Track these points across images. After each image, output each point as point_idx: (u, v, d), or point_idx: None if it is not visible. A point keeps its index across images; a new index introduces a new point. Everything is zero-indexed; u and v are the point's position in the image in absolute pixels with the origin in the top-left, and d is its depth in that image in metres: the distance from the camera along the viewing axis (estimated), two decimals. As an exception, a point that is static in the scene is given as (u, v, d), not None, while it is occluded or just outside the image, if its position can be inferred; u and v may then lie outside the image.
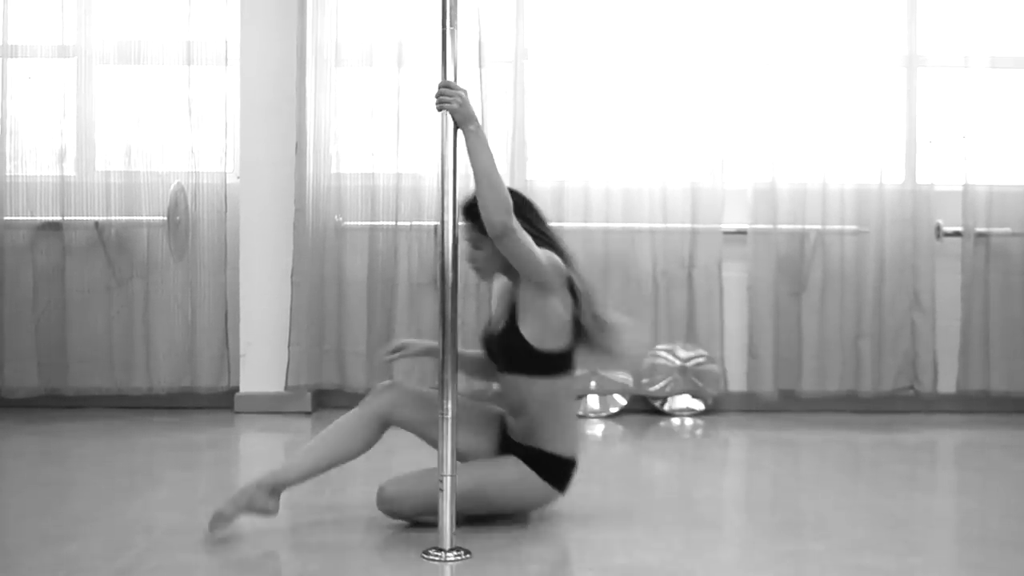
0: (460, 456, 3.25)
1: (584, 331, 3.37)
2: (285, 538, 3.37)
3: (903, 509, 3.78)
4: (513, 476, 3.37)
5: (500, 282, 3.58)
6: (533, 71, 5.52)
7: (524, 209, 3.33)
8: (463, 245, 3.28)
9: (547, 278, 3.27)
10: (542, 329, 3.29)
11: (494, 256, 3.32)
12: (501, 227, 3.14)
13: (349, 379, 5.46)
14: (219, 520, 3.27)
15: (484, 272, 3.46)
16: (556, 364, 3.35)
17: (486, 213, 3.15)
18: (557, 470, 3.40)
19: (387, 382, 3.54)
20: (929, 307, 5.54)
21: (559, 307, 3.30)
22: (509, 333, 3.33)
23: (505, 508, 3.43)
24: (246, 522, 3.35)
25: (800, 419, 5.41)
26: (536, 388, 3.34)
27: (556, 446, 3.38)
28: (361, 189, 5.45)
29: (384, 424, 3.45)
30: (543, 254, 3.26)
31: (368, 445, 3.45)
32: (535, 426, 3.36)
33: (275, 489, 3.34)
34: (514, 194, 3.26)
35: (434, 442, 3.23)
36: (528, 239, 3.21)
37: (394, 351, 3.62)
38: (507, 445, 3.46)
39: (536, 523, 3.49)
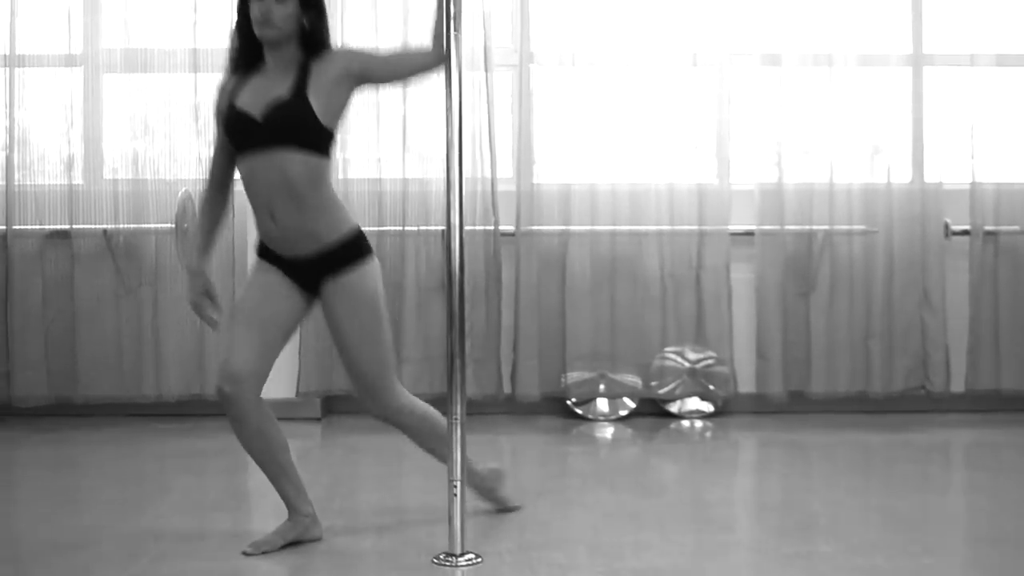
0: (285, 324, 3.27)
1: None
2: (297, 545, 3.37)
3: (915, 510, 3.77)
4: (367, 310, 3.27)
5: (286, 52, 3.24)
6: (539, 74, 5.52)
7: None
8: None
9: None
10: (333, 110, 3.22)
11: (294, 18, 3.18)
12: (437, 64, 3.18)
13: (358, 384, 5.45)
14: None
15: (275, 32, 3.17)
16: (329, 145, 3.25)
17: (435, 63, 3.18)
18: (364, 244, 3.29)
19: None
20: (939, 306, 5.53)
21: (350, 97, 3.27)
22: (296, 105, 3.16)
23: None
24: (254, 526, 3.35)
25: (810, 420, 5.40)
26: (312, 165, 3.17)
27: (344, 226, 3.25)
28: (368, 195, 5.46)
29: None
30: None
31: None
32: (309, 216, 3.19)
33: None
34: None
35: None
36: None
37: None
38: (302, 281, 3.28)
39: (548, 527, 3.49)
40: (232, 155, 3.31)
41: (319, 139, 3.20)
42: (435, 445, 3.39)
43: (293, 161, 3.16)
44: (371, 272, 3.28)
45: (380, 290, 3.30)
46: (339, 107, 3.23)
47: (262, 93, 3.19)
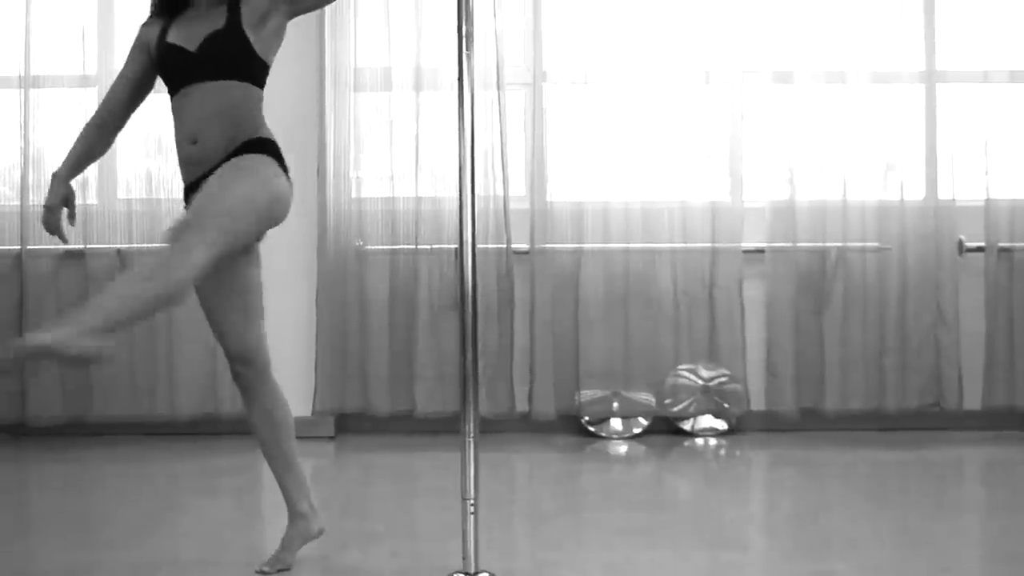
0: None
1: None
2: (311, 563, 3.37)
3: (929, 528, 3.75)
4: (234, 169, 3.08)
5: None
6: (552, 93, 5.53)
7: None
8: None
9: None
10: (266, 41, 3.18)
11: None
12: None
13: (372, 403, 5.46)
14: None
15: None
16: (264, 77, 3.23)
17: None
18: (275, 148, 3.21)
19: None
20: (953, 323, 5.51)
21: (281, 28, 3.22)
22: (232, 36, 3.13)
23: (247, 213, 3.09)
24: (268, 546, 3.35)
25: (824, 438, 5.38)
26: (249, 94, 3.17)
27: (264, 134, 3.20)
28: (381, 213, 5.47)
29: None
30: None
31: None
32: (238, 129, 3.15)
33: (91, 331, 2.71)
34: None
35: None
36: None
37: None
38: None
39: (562, 545, 3.48)
40: (135, 91, 3.38)
41: (255, 70, 3.19)
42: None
43: (231, 89, 3.15)
44: (268, 163, 3.14)
45: (269, 188, 3.12)
46: (271, 38, 3.20)
47: (195, 29, 3.17)
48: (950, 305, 5.51)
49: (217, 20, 3.16)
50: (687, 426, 5.49)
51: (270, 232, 5.45)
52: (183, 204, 3.25)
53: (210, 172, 3.12)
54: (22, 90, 5.47)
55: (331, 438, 5.43)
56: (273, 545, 3.35)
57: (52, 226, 3.32)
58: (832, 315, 5.52)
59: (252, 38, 3.15)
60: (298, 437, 5.33)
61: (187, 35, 3.17)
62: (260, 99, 3.22)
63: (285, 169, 3.21)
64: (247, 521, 4.04)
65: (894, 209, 5.53)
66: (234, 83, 3.16)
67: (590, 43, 5.51)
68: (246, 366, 3.31)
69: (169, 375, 5.47)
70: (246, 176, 3.08)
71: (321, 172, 5.38)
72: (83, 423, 5.46)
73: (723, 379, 5.48)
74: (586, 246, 5.47)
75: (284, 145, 5.45)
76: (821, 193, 5.55)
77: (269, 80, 5.59)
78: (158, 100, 5.45)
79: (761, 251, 5.54)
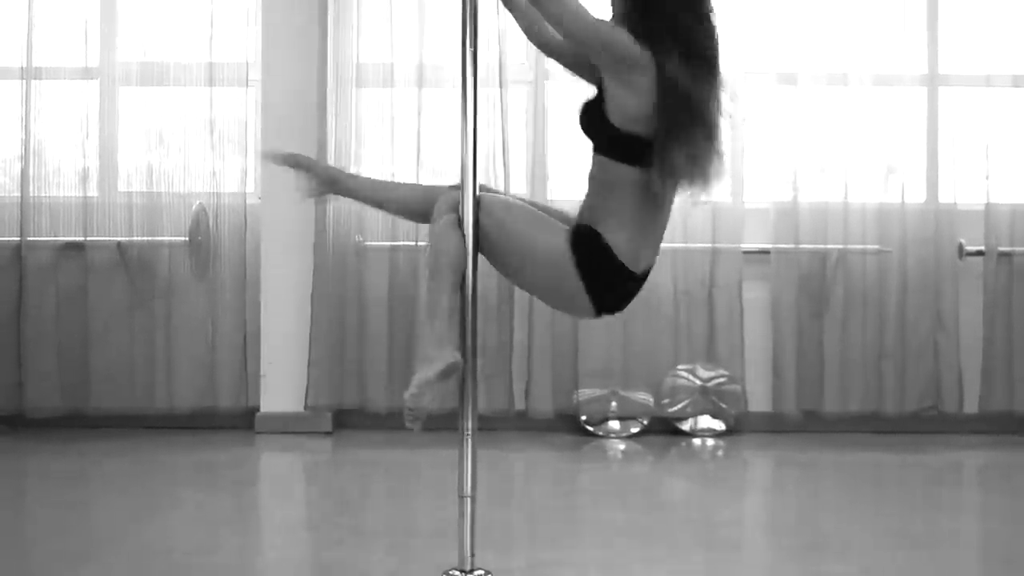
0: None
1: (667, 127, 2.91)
2: (305, 558, 3.37)
3: (927, 531, 3.75)
4: (547, 246, 2.95)
5: None
6: (554, 91, 5.52)
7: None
8: None
9: (592, 41, 2.90)
10: (621, 107, 2.90)
11: None
12: None
13: (370, 399, 5.46)
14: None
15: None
16: (634, 151, 2.92)
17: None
18: (600, 262, 2.95)
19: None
20: (952, 327, 5.50)
21: (638, 88, 2.88)
22: (590, 107, 3.02)
23: (522, 275, 3.08)
24: (264, 540, 3.35)
25: (822, 439, 5.38)
26: (609, 170, 2.96)
27: (610, 236, 2.95)
28: (381, 209, 5.46)
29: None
30: (608, 25, 2.90)
31: (422, 213, 3.19)
32: (596, 206, 3.00)
33: (331, 180, 3.28)
34: None
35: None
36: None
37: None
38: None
39: (559, 543, 3.48)
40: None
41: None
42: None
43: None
44: (567, 274, 2.98)
45: (546, 272, 3.01)
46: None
47: None
48: (949, 308, 5.51)
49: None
50: (685, 426, 5.49)
51: (268, 226, 5.49)
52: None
53: None
54: (24, 81, 5.47)
55: (328, 434, 5.43)
56: (269, 539, 3.35)
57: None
58: (832, 317, 5.51)
59: (609, 107, 2.95)
60: (294, 432, 5.38)
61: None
62: (623, 176, 2.96)
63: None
64: (243, 515, 4.04)
65: (895, 212, 5.53)
66: (597, 156, 3.03)
67: (592, 42, 5.50)
68: None
69: (167, 368, 5.47)
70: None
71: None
72: (81, 415, 5.46)
73: (721, 380, 5.48)
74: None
75: (285, 140, 5.49)
76: (822, 195, 5.55)
77: (271, 77, 5.64)
78: (161, 93, 5.50)
79: (761, 252, 5.54)
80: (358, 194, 3.32)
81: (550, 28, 3.14)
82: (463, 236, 3.02)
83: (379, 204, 3.33)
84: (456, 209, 3.02)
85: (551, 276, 2.98)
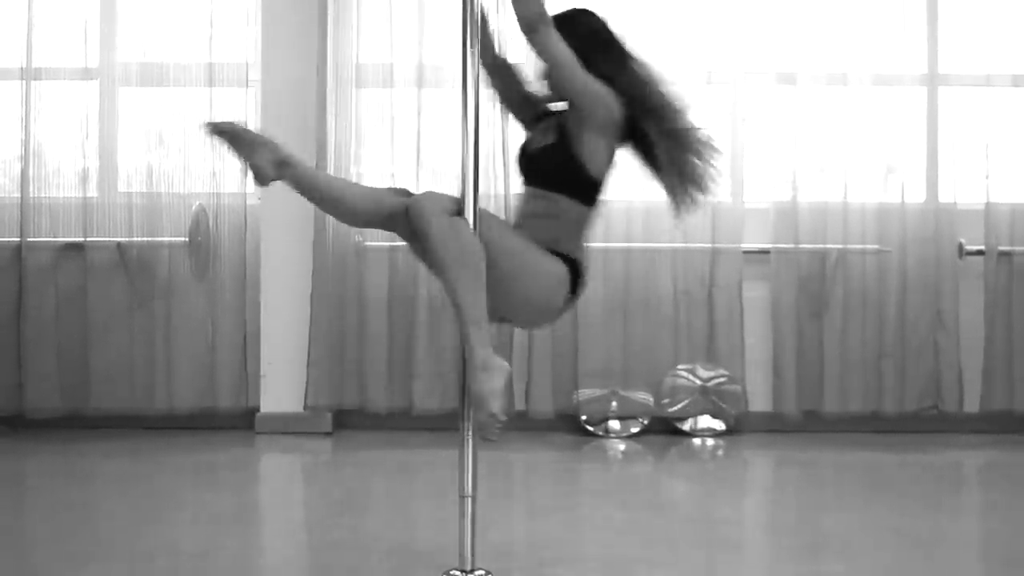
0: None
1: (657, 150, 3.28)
2: (305, 558, 3.37)
3: (928, 531, 3.75)
4: (550, 269, 3.14)
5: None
6: (553, 91, 5.51)
7: (591, 33, 3.25)
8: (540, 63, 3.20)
9: (586, 98, 3.14)
10: (593, 153, 3.19)
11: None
12: (529, 20, 3.09)
13: (369, 399, 5.46)
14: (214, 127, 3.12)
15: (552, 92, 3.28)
16: (594, 192, 3.25)
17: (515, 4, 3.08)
18: (579, 283, 3.23)
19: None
20: (952, 326, 5.51)
21: (606, 137, 3.19)
22: (558, 150, 3.21)
23: (509, 287, 3.11)
24: (264, 541, 3.35)
25: (822, 439, 5.38)
26: (571, 210, 3.21)
27: (580, 260, 3.24)
28: (381, 209, 5.46)
29: (402, 218, 3.11)
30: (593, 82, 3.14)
31: (369, 215, 3.18)
32: (561, 238, 3.21)
33: (281, 161, 3.13)
34: (587, 14, 3.28)
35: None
36: (566, 48, 3.11)
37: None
38: None
39: (559, 543, 3.47)
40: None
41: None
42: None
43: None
44: (556, 279, 3.19)
45: (539, 279, 3.17)
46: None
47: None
48: (950, 308, 5.51)
49: (554, 131, 3.28)
50: (685, 426, 5.49)
51: (267, 227, 5.48)
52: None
53: None
54: (23, 82, 5.47)
55: (328, 434, 5.42)
56: (270, 539, 3.35)
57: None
58: (832, 317, 5.51)
59: (582, 153, 3.20)
60: (294, 433, 5.38)
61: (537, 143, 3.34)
62: (582, 215, 3.27)
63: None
64: (244, 515, 4.04)
65: (895, 212, 5.53)
66: (560, 197, 3.24)
67: (592, 42, 5.49)
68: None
69: (167, 369, 5.47)
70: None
71: (321, 167, 5.37)
72: (81, 416, 5.46)
73: (721, 379, 5.48)
74: (586, 245, 5.45)
75: (285, 140, 5.49)
76: (822, 195, 5.56)
77: (270, 77, 5.65)
78: (161, 94, 5.50)
79: (761, 252, 5.54)
80: (303, 184, 3.19)
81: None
82: (473, 231, 3.03)
83: (325, 202, 3.24)
84: (448, 211, 3.01)
85: (545, 293, 3.16)
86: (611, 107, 3.17)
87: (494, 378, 2.96)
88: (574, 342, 5.47)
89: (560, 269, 3.16)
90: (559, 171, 3.21)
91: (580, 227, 3.26)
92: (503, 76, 3.43)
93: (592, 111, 3.16)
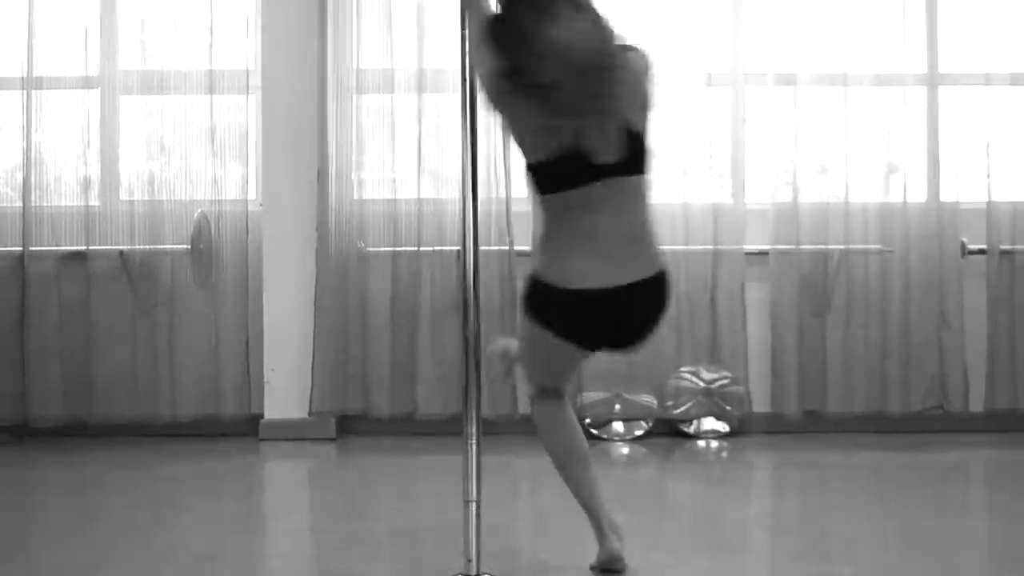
0: None
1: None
2: (310, 564, 3.36)
3: (933, 531, 3.74)
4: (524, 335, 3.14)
5: None
6: (553, 95, 5.51)
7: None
8: None
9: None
10: (517, 138, 2.94)
11: None
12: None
13: (373, 405, 5.46)
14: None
15: None
16: (538, 180, 2.95)
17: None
18: (537, 294, 2.97)
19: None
20: (956, 325, 5.50)
21: (517, 113, 2.87)
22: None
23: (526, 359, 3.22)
24: (269, 547, 3.35)
25: (826, 440, 5.37)
26: (535, 202, 3.05)
27: (540, 268, 2.96)
28: (383, 215, 5.47)
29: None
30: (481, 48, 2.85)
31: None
32: (534, 247, 3.23)
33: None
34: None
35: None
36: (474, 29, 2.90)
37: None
38: None
39: (563, 547, 3.47)
40: None
41: None
42: (559, 474, 3.32)
43: None
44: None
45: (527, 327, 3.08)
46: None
47: None
48: (953, 307, 5.50)
49: None
50: (689, 428, 5.49)
51: (269, 233, 5.49)
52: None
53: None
54: (24, 91, 5.48)
55: (332, 440, 5.42)
56: (273, 547, 3.35)
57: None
58: (834, 317, 5.51)
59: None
60: (298, 439, 5.37)
61: None
62: (539, 205, 3.01)
63: (533, 274, 3.01)
64: (247, 523, 4.04)
65: (896, 211, 5.53)
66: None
67: (592, 45, 5.49)
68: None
69: (171, 376, 5.47)
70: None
71: (322, 174, 5.38)
72: (85, 424, 5.46)
73: (725, 381, 5.48)
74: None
75: (286, 147, 5.47)
76: (823, 195, 5.55)
77: (271, 84, 5.65)
78: (162, 101, 5.51)
79: (763, 253, 5.54)
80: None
81: None
82: (558, 425, 3.27)
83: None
84: (534, 399, 3.28)
85: (529, 348, 3.15)
86: (486, 81, 2.89)
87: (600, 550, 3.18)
88: (577, 345, 5.46)
89: (521, 323, 3.11)
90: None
91: (539, 219, 3.04)
92: None
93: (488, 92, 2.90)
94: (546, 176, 2.91)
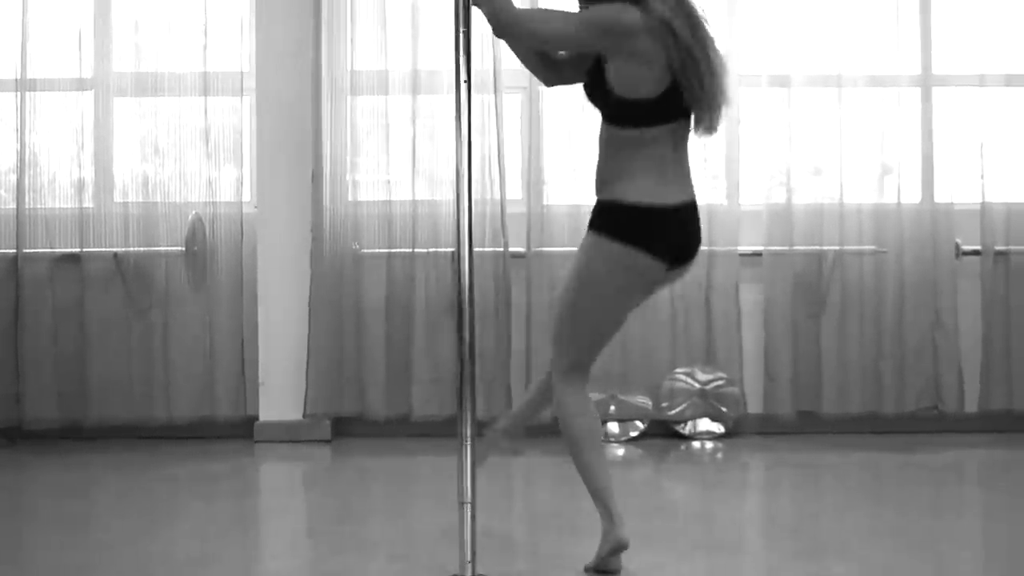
0: None
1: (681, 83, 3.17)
2: (307, 566, 3.36)
3: (928, 531, 3.75)
4: (582, 257, 3.27)
5: None
6: (549, 97, 5.52)
7: None
8: None
9: (570, 41, 3.24)
10: (626, 78, 3.15)
11: None
12: (497, 26, 3.23)
13: (368, 407, 5.45)
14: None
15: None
16: (637, 115, 3.19)
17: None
18: (623, 219, 3.22)
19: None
20: (950, 326, 5.50)
21: (642, 54, 3.12)
22: (594, 74, 3.24)
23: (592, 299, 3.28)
24: (264, 549, 3.35)
25: (821, 441, 5.37)
26: (613, 135, 3.23)
27: (629, 195, 3.21)
28: (378, 216, 5.46)
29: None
30: (586, 11, 3.19)
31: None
32: (606, 176, 3.26)
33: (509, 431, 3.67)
34: None
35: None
36: (538, 19, 3.31)
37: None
38: None
39: (559, 549, 3.47)
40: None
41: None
42: (575, 460, 3.39)
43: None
44: (598, 246, 3.24)
45: (599, 269, 3.24)
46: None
47: None
48: (947, 308, 5.51)
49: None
50: (684, 429, 5.49)
51: (264, 235, 5.48)
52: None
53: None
54: (18, 93, 5.47)
55: (327, 442, 5.42)
56: (268, 548, 3.35)
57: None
58: (829, 318, 5.51)
59: (610, 78, 3.19)
60: (293, 441, 5.37)
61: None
62: (626, 137, 3.24)
63: (615, 230, 3.25)
64: (242, 525, 4.03)
65: (891, 212, 5.53)
66: (603, 124, 3.29)
67: (587, 46, 5.50)
68: None
69: (166, 378, 5.46)
70: (571, 289, 3.31)
71: (317, 176, 5.37)
72: (79, 427, 5.45)
73: (720, 382, 5.48)
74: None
75: (280, 149, 5.47)
76: (817, 196, 5.56)
77: (265, 86, 5.65)
78: (156, 104, 5.50)
79: (758, 254, 5.54)
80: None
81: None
82: (586, 405, 3.35)
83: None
84: (562, 380, 3.32)
85: (598, 267, 3.21)
86: (611, 21, 3.12)
87: (601, 543, 3.22)
88: (572, 346, 5.46)
89: (590, 257, 3.23)
90: (597, 102, 3.26)
91: (624, 151, 3.21)
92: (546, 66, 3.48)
93: (602, 38, 3.15)
94: (647, 110, 3.18)
